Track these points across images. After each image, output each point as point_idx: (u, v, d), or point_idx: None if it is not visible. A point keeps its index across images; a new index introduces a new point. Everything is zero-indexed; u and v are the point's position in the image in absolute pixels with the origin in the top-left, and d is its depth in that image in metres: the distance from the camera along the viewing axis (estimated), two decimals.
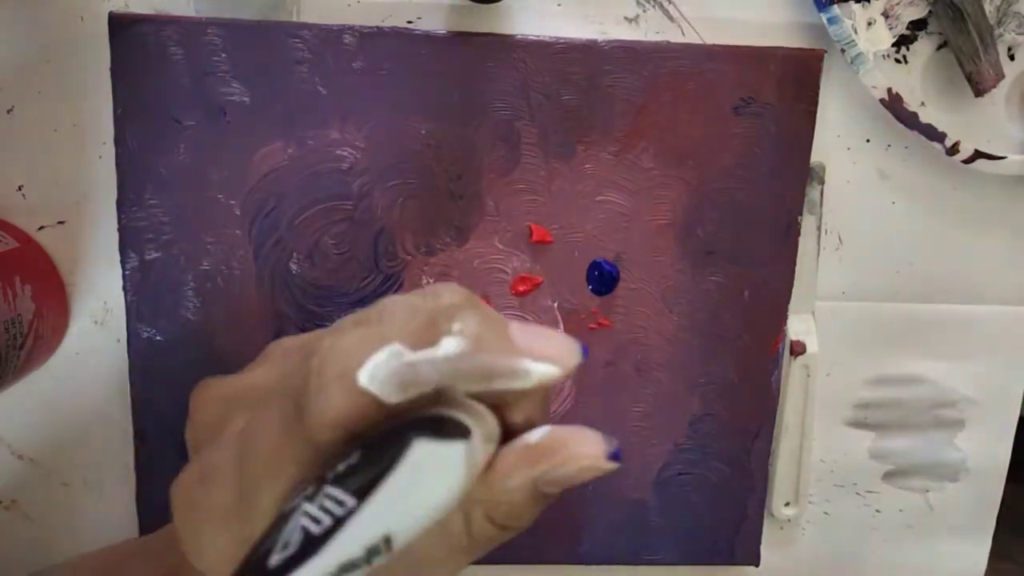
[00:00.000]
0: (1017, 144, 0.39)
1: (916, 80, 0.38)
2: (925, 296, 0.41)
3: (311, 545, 0.17)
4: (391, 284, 0.38)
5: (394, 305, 0.21)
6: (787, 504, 0.43)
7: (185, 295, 0.37)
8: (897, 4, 0.37)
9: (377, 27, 0.35)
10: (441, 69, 0.36)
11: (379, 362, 0.19)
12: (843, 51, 0.37)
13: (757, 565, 0.43)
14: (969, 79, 0.37)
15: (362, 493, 0.18)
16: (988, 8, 0.36)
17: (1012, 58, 0.38)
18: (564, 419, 0.40)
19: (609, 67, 0.36)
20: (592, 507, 0.41)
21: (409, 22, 0.36)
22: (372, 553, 0.18)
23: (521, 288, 0.38)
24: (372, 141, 0.36)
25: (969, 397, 0.43)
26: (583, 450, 0.21)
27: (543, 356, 0.20)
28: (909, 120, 0.37)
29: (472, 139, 0.37)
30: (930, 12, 0.37)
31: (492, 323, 0.20)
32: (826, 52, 0.37)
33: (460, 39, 0.36)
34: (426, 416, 0.19)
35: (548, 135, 0.37)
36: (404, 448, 0.18)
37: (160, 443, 0.38)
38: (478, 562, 0.42)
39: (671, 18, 0.37)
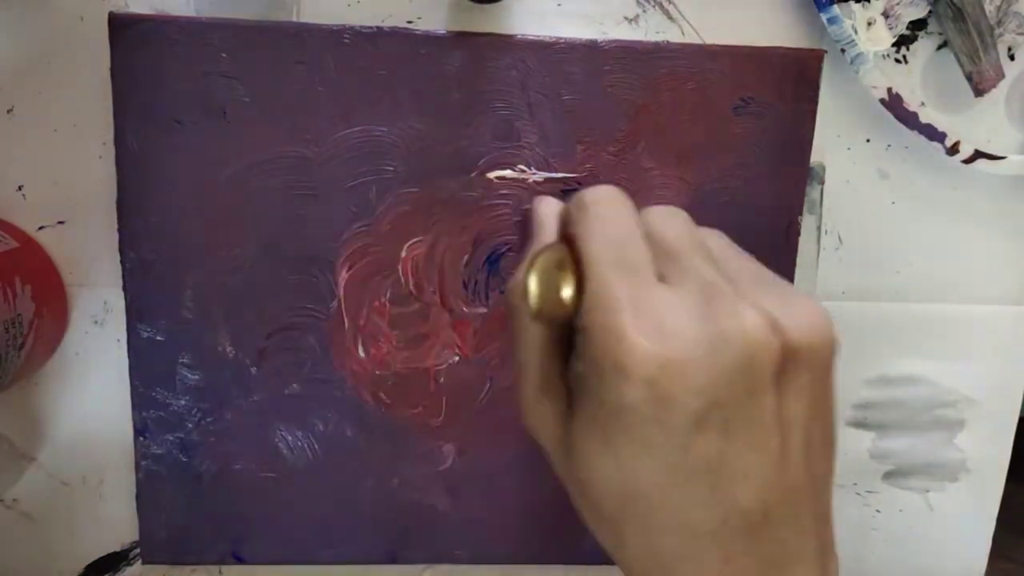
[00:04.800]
0: (1017, 144, 0.39)
1: (916, 80, 0.38)
2: (925, 296, 0.41)
3: None
4: (389, 283, 0.38)
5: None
6: None
7: (185, 295, 0.37)
8: (897, 4, 0.37)
9: (377, 27, 0.35)
10: (441, 69, 0.36)
11: None
12: (843, 51, 0.37)
13: None
14: (969, 79, 0.37)
15: None
16: (988, 8, 0.36)
17: (1012, 58, 0.38)
18: None
19: (609, 67, 0.36)
20: None
21: (409, 22, 0.36)
22: None
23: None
24: (372, 141, 0.36)
25: (969, 397, 0.43)
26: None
27: None
28: (909, 120, 0.37)
29: (472, 139, 0.37)
30: (930, 12, 0.37)
31: None
32: (826, 52, 0.37)
33: (460, 39, 0.36)
34: None
35: (548, 135, 0.37)
36: None
37: (160, 443, 0.38)
38: (477, 562, 0.42)
39: (671, 18, 0.37)
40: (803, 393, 0.20)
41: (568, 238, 0.22)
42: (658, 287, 0.20)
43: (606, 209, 0.22)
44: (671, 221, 0.23)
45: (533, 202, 0.26)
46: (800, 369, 0.20)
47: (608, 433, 0.20)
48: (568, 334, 0.22)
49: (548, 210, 0.25)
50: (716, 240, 0.24)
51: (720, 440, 0.20)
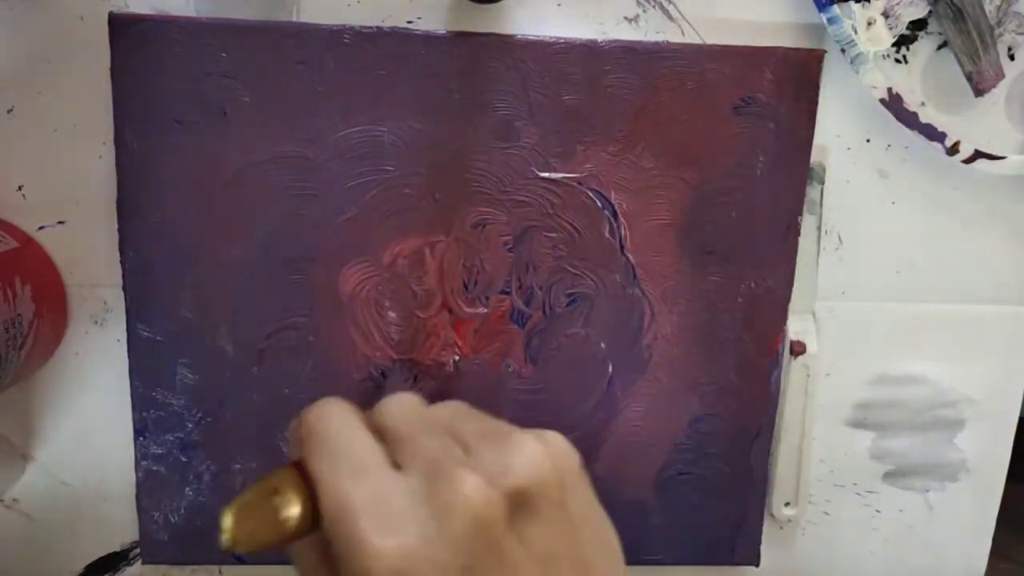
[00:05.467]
0: (1017, 144, 0.39)
1: (916, 80, 0.38)
2: (925, 296, 0.41)
3: None
4: (389, 283, 0.38)
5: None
6: (787, 504, 0.43)
7: (185, 295, 0.37)
8: (897, 4, 0.37)
9: (377, 27, 0.35)
10: (441, 69, 0.36)
11: None
12: (843, 51, 0.37)
13: (757, 565, 0.43)
14: (969, 79, 0.37)
15: None
16: (988, 8, 0.36)
17: (1012, 58, 0.38)
18: (564, 413, 0.40)
19: (609, 67, 0.36)
20: None
21: (409, 22, 0.36)
22: None
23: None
24: (372, 141, 0.36)
25: (969, 397, 0.43)
26: None
27: None
28: (909, 120, 0.37)
29: (472, 139, 0.37)
30: (930, 12, 0.37)
31: None
32: (826, 52, 0.37)
33: (460, 39, 0.36)
34: None
35: (548, 135, 0.37)
36: None
37: (160, 443, 0.38)
38: None
39: (671, 18, 0.37)
40: (546, 524, 0.21)
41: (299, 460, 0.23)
42: (390, 477, 0.21)
43: (327, 423, 0.23)
44: (397, 409, 0.24)
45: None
46: (534, 505, 0.21)
47: None
48: None
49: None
50: (446, 411, 0.25)
51: None
